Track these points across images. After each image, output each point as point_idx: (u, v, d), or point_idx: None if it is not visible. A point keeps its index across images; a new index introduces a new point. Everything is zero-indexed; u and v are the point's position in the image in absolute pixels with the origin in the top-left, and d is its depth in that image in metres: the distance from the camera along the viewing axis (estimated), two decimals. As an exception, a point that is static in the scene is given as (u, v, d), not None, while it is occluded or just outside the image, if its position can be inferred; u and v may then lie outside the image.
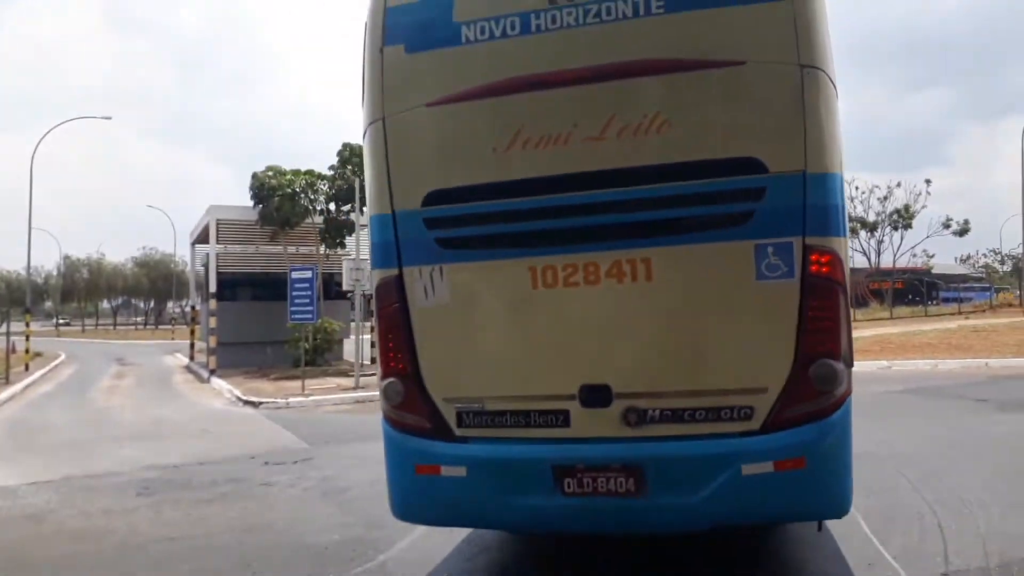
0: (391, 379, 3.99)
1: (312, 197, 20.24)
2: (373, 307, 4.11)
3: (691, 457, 3.52)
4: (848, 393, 3.58)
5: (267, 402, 14.08)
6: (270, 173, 20.12)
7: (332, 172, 20.36)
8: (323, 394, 14.79)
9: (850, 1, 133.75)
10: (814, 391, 3.47)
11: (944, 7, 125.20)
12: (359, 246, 17.96)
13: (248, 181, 20.37)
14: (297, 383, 15.67)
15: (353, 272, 16.29)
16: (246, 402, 14.43)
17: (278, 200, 19.61)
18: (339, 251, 21.86)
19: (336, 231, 20.75)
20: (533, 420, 3.72)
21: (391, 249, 3.89)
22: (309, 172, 20.38)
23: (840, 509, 3.63)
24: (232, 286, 22.07)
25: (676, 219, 3.57)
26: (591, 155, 3.57)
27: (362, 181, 18.88)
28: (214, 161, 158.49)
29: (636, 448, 3.57)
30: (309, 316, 15.47)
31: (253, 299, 22.19)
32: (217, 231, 20.81)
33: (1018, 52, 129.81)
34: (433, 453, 3.85)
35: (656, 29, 3.54)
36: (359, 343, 16.63)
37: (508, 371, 3.80)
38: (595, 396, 3.63)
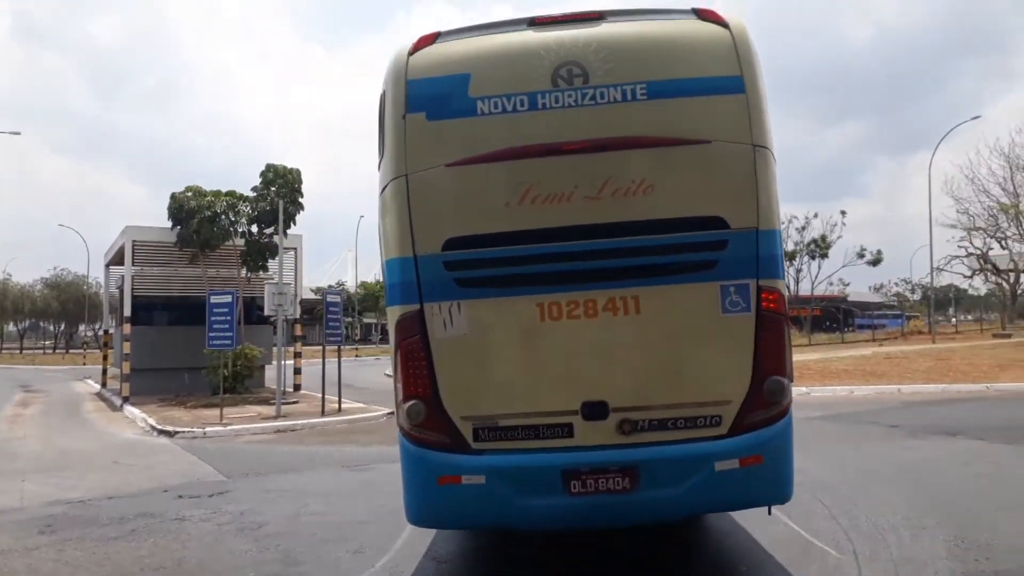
0: (413, 401, 4.55)
1: (233, 219, 19.88)
2: (392, 338, 4.72)
3: (675, 458, 4.34)
4: (791, 403, 4.50)
5: (183, 432, 13.62)
6: (189, 194, 19.70)
7: (255, 193, 20.04)
8: (242, 423, 14.39)
9: (768, 37, 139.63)
10: (767, 402, 4.38)
11: (856, 46, 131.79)
12: (282, 270, 17.74)
13: (166, 201, 19.89)
14: (215, 412, 15.23)
15: (275, 296, 15.98)
16: (160, 431, 13.93)
17: (198, 222, 19.21)
18: (261, 275, 21.48)
19: (258, 254, 20.41)
20: (542, 432, 4.45)
21: (412, 288, 4.54)
22: (231, 193, 20.02)
23: (786, 495, 4.55)
24: (148, 310, 21.41)
25: (658, 264, 4.41)
26: (589, 211, 4.39)
27: (286, 203, 18.71)
28: (129, 179, 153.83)
29: (630, 453, 4.36)
30: (228, 342, 15.11)
31: (170, 323, 21.54)
32: (133, 252, 20.25)
33: (924, 91, 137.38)
34: (454, 464, 4.43)
35: (640, 112, 4.44)
36: (281, 370, 16.27)
37: (519, 391, 4.51)
38: (594, 410, 4.41)
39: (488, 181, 4.54)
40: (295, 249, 21.90)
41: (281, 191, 19.60)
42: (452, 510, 4.56)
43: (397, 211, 4.63)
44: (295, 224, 20.38)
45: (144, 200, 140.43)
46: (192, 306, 20.12)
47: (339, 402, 16.28)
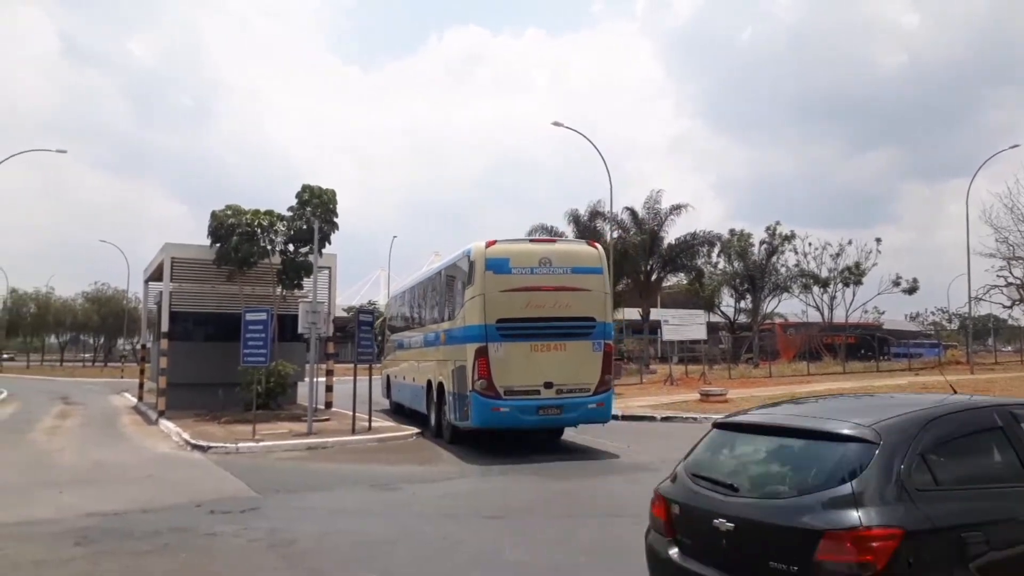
0: (482, 379, 12.62)
1: (271, 237, 20.08)
2: (471, 355, 12.74)
3: (575, 403, 12.92)
4: (612, 384, 13.98)
5: (216, 447, 13.74)
6: (229, 212, 19.93)
7: (291, 213, 20.24)
8: (274, 440, 14.50)
9: (797, 62, 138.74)
10: (605, 383, 13.19)
11: (889, 72, 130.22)
12: (316, 288, 17.80)
13: (203, 218, 20.21)
14: (248, 428, 15.35)
15: (309, 315, 16.09)
16: (194, 446, 14.06)
17: (236, 239, 19.39)
18: (296, 293, 21.64)
19: (294, 272, 20.54)
20: (529, 393, 12.75)
21: (483, 336, 12.73)
22: (269, 212, 20.23)
23: (608, 418, 13.72)
24: (185, 325, 21.67)
25: (572, 332, 13.01)
26: (550, 312, 12.97)
27: (321, 222, 18.93)
28: (168, 197, 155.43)
29: (561, 400, 12.85)
30: (262, 359, 15.23)
31: (206, 339, 21.78)
32: (172, 269, 20.48)
33: (959, 118, 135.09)
34: (498, 403, 12.64)
35: (569, 278, 13.14)
36: (313, 387, 16.36)
37: (522, 376, 12.75)
38: (548, 385, 12.82)
39: (515, 298, 12.84)
40: (329, 268, 22.06)
41: (316, 211, 19.78)
42: (496, 420, 12.71)
43: (478, 307, 12.85)
44: (329, 244, 20.56)
45: (183, 218, 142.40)
46: (228, 323, 20.36)
47: (369, 420, 16.33)
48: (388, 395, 21.94)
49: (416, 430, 15.71)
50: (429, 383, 15.86)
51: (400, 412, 20.30)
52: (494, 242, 13.28)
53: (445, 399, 14.46)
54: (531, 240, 14.52)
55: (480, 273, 12.94)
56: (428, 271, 19.70)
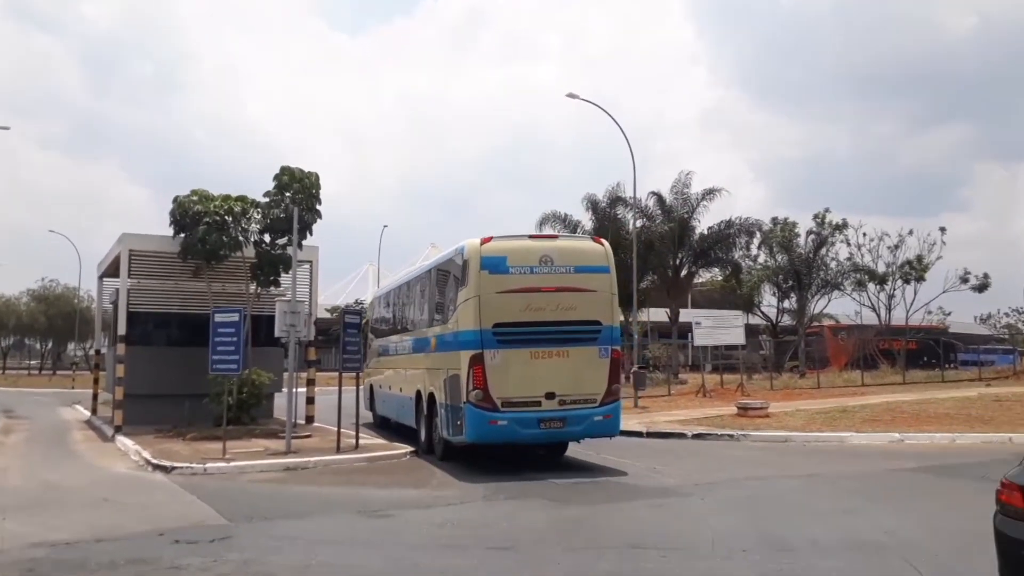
0: (477, 390, 13.15)
1: (244, 227, 20.13)
2: (465, 363, 13.32)
3: (580, 415, 13.55)
4: (619, 393, 14.18)
5: (181, 467, 13.82)
6: (195, 197, 19.94)
7: (267, 199, 20.28)
8: (248, 459, 14.57)
9: (854, 31, 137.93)
10: (612, 394, 13.86)
11: (956, 37, 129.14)
12: (295, 285, 17.81)
13: (168, 205, 20.20)
14: (217, 445, 15.42)
15: (287, 316, 16.13)
16: (156, 466, 14.15)
17: (204, 229, 19.42)
18: (272, 290, 21.71)
19: (270, 267, 20.57)
20: (528, 404, 13.35)
21: (478, 342, 13.30)
22: (241, 198, 20.25)
23: (617, 432, 14.40)
24: (145, 327, 21.78)
25: (576, 338, 13.68)
26: (551, 315, 13.59)
27: (302, 210, 19.00)
28: (128, 181, 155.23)
29: (564, 412, 13.46)
30: (234, 367, 15.28)
31: (169, 344, 21.89)
32: (130, 263, 20.55)
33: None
34: (495, 415, 13.16)
35: (571, 278, 13.78)
36: (292, 399, 16.43)
37: (521, 386, 13.35)
38: (550, 396, 13.42)
39: (513, 300, 13.47)
40: (311, 262, 22.14)
41: (297, 197, 19.84)
42: (493, 435, 13.30)
43: (473, 310, 13.41)
44: (311, 234, 20.58)
45: (145, 204, 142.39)
46: (194, 325, 20.45)
47: (356, 437, 16.38)
48: (372, 407, 22.16)
49: (410, 448, 15.77)
50: (418, 394, 16.25)
51: (386, 426, 20.41)
52: (490, 238, 13.85)
53: (437, 411, 14.92)
54: (530, 236, 14.78)
55: (475, 273, 13.52)
56: (416, 269, 19.88)
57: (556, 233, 14.07)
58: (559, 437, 14.20)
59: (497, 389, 13.22)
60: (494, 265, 13.55)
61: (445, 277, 15.28)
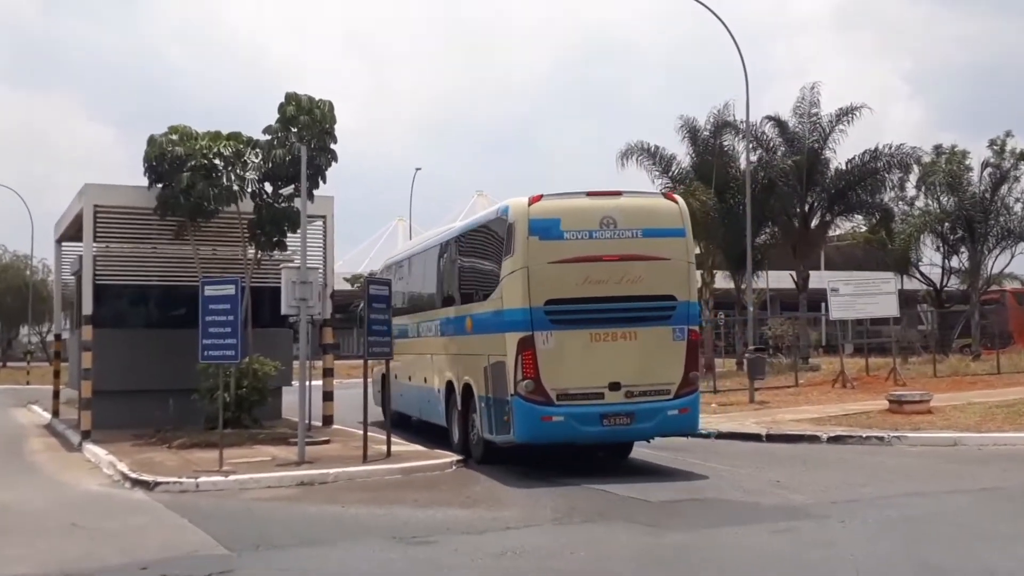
0: (527, 380, 14.05)
1: (239, 173, 20.22)
2: (513, 348, 14.27)
3: (651, 409, 14.44)
4: (698, 383, 15.37)
5: (167, 483, 14.07)
6: (174, 137, 20.04)
7: (268, 137, 20.33)
8: (251, 471, 14.84)
9: None
10: (690, 383, 14.80)
11: None
12: (305, 248, 17.66)
13: (139, 147, 20.29)
14: (212, 454, 15.65)
15: (296, 287, 16.21)
16: (136, 482, 14.42)
17: (188, 177, 19.53)
18: (277, 255, 21.83)
19: (273, 224, 20.61)
20: (589, 396, 14.32)
21: (528, 323, 14.18)
22: (234, 137, 20.33)
23: (696, 429, 15.99)
24: (116, 305, 22.09)
25: (645, 316, 14.61)
26: (615, 289, 14.43)
27: (313, 150, 19.06)
28: (90, 117, 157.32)
29: (631, 406, 14.38)
30: (231, 353, 15.40)
31: (148, 325, 22.19)
32: (95, 222, 20.77)
33: None
34: (549, 410, 14.08)
35: (638, 242, 14.61)
36: (305, 394, 16.59)
37: (580, 375, 14.35)
38: (614, 386, 14.34)
39: (569, 272, 14.32)
40: (324, 218, 22.18)
41: (305, 133, 19.88)
42: (547, 434, 14.33)
43: (521, 285, 14.26)
44: (325, 182, 20.67)
45: (111, 146, 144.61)
46: (178, 300, 20.78)
47: (388, 443, 16.54)
48: (382, 401, 22.59)
49: (456, 457, 15.96)
50: (449, 385, 17.05)
51: (403, 425, 20.61)
52: (539, 197, 14.66)
53: (474, 406, 15.89)
54: (588, 193, 15.21)
55: (522, 239, 14.38)
56: (443, 233, 19.94)
57: (619, 189, 15.70)
58: (626, 436, 15.27)
59: (551, 379, 14.10)
60: (545, 229, 14.30)
61: (483, 243, 16.11)
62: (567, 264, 14.21)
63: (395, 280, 22.41)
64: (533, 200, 14.48)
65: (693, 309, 14.94)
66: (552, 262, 14.19)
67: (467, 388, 16.16)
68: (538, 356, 14.02)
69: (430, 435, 18.00)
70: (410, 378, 19.98)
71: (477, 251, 16.58)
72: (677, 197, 15.90)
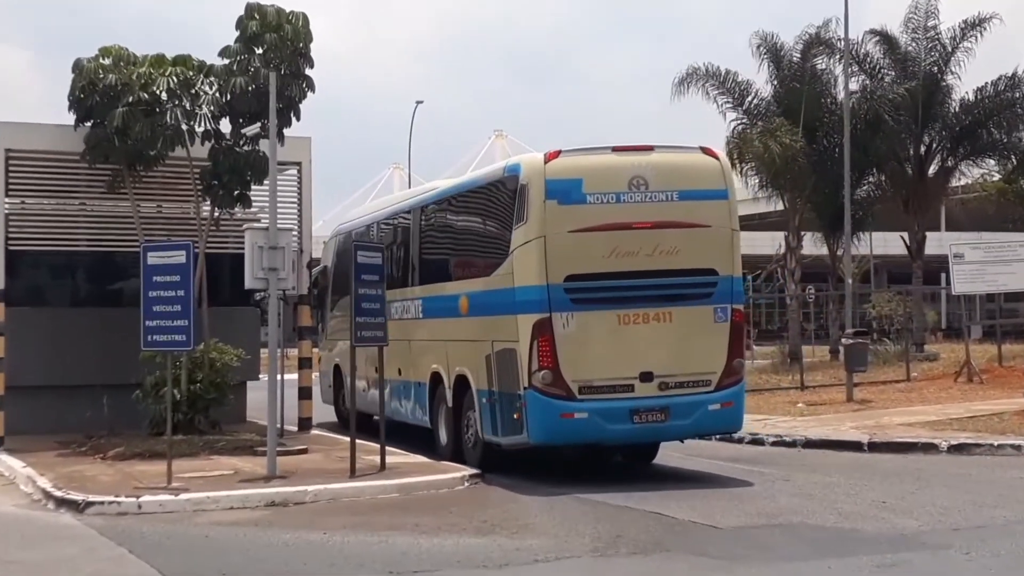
0: (544, 371, 14.83)
1: (189, 108, 20.23)
2: (527, 333, 14.97)
3: (689, 403, 15.54)
4: (744, 372, 17.13)
5: (102, 502, 14.10)
6: (107, 62, 19.98)
7: (226, 61, 20.30)
8: (208, 488, 14.88)
9: None
10: (734, 372, 15.97)
11: None
12: (274, 203, 17.43)
13: (62, 76, 20.36)
14: (159, 467, 15.71)
15: (264, 254, 16.09)
16: (62, 501, 14.49)
17: (124, 113, 19.51)
18: (239, 212, 21.77)
19: (233, 173, 20.52)
20: (617, 389, 15.39)
21: (545, 303, 15.00)
22: (182, 61, 20.29)
23: (740, 426, 17.36)
24: (35, 276, 22.20)
25: (682, 294, 15.80)
26: (646, 262, 15.47)
27: (284, 77, 19.02)
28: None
29: (665, 400, 15.42)
30: (182, 338, 15.37)
31: (76, 303, 22.29)
32: (7, 172, 20.78)
33: None
34: (569, 406, 15.00)
35: (674, 207, 15.68)
36: (277, 389, 16.65)
37: (606, 364, 15.43)
38: (646, 376, 15.37)
39: (592, 242, 15.38)
40: (299, 165, 22.24)
41: (272, 55, 19.86)
42: (567, 433, 15.35)
43: (537, 257, 15.09)
44: (298, 119, 20.75)
45: (26, 73, 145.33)
46: (115, 271, 20.85)
47: (382, 452, 16.59)
48: (335, 399, 23.27)
49: (470, 471, 16.11)
50: (435, 378, 17.67)
51: (364, 427, 20.65)
52: (556, 153, 15.51)
53: (472, 403, 16.63)
54: (614, 148, 15.96)
55: (537, 203, 15.12)
56: (431, 191, 20.05)
57: (650, 144, 15.84)
58: (660, 435, 16.42)
59: (572, 369, 14.97)
60: (565, 192, 15.13)
61: (485, 207, 16.80)
62: (591, 233, 15.00)
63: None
64: (550, 156, 15.11)
65: (737, 285, 15.98)
66: (573, 231, 14.95)
67: (460, 381, 16.86)
68: (556, 342, 14.71)
69: (402, 437, 18.06)
70: (376, 369, 19.86)
71: (476, 216, 17.18)
72: (718, 152, 16.82)
